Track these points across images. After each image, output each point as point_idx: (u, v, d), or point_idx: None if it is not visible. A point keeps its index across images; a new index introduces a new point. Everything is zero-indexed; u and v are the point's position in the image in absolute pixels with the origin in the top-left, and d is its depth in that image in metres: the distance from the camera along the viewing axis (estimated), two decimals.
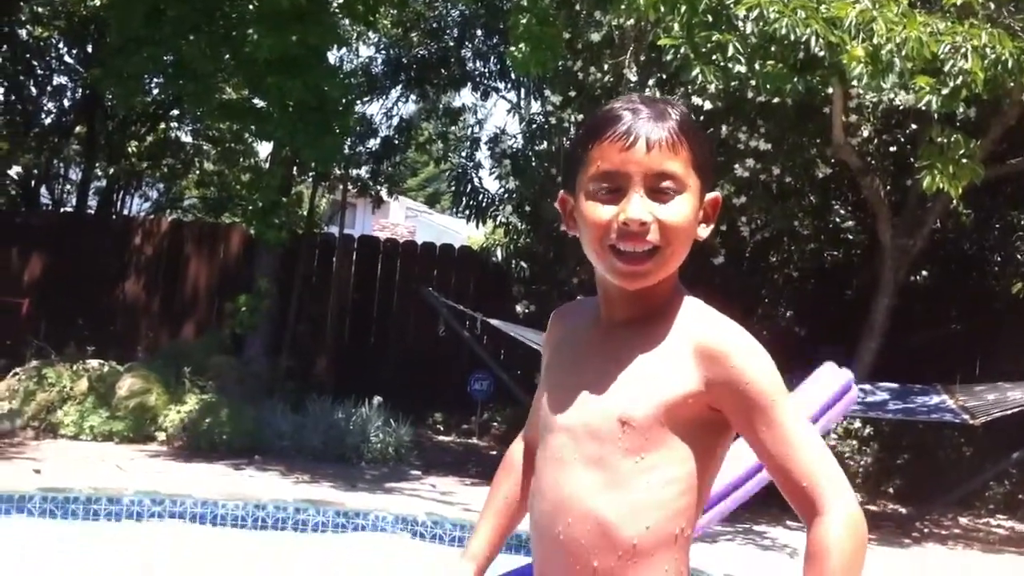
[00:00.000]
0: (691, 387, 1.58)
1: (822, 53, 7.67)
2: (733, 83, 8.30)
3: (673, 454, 1.58)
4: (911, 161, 9.93)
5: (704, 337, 1.59)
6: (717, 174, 1.58)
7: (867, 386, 9.76)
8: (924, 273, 11.78)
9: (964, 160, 7.68)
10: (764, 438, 1.56)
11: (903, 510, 10.14)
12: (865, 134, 10.55)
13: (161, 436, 10.05)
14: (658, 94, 10.01)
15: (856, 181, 10.58)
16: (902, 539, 8.78)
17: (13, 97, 17.10)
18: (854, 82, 7.76)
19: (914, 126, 10.33)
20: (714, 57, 7.72)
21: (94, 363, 10.78)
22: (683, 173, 1.61)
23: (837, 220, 11.79)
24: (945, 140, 7.83)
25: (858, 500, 1.53)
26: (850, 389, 2.10)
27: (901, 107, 9.64)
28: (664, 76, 10.16)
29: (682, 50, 7.83)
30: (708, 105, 9.64)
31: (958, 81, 7.21)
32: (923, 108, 7.63)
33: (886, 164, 11.12)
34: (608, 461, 1.59)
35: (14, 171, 17.61)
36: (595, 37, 10.64)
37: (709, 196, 1.69)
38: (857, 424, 10.50)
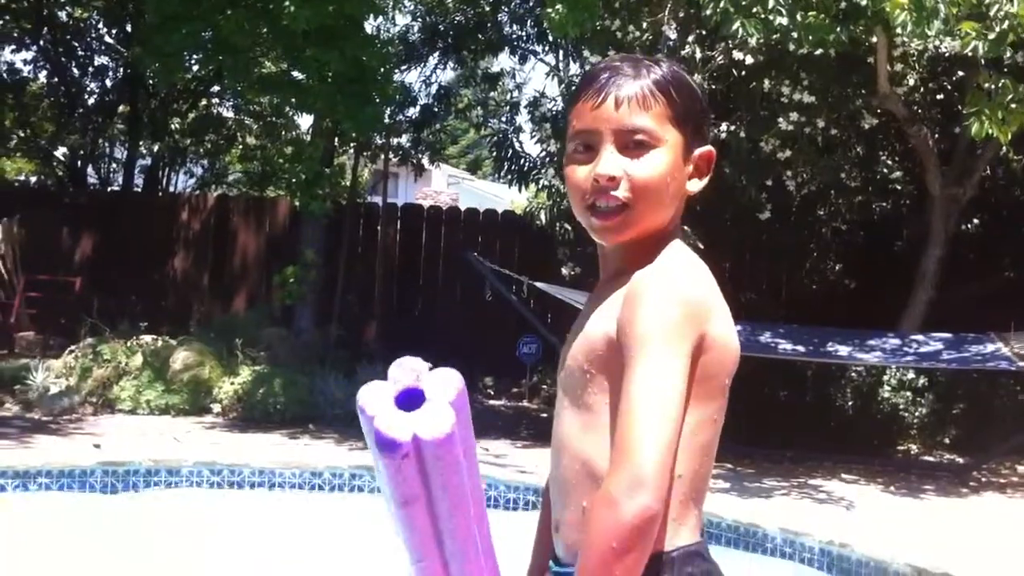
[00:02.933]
0: (610, 329, 1.58)
1: (864, 2, 7.56)
2: (774, 36, 8.19)
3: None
4: (958, 108, 9.76)
5: (635, 278, 1.58)
6: (707, 127, 1.54)
7: (920, 336, 9.67)
8: (975, 222, 11.61)
9: (1013, 105, 7.54)
10: (622, 385, 1.50)
11: (960, 460, 10.07)
12: (911, 83, 10.39)
13: (216, 408, 10.21)
14: (698, 51, 9.90)
15: (903, 131, 10.43)
16: (960, 489, 8.72)
17: (56, 79, 17.31)
18: (898, 30, 7.64)
19: (960, 73, 10.15)
20: (754, 10, 7.63)
21: (147, 338, 10.95)
22: (656, 127, 1.61)
23: (885, 171, 11.64)
24: (993, 86, 7.69)
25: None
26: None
27: (947, 54, 9.47)
28: (703, 32, 10.05)
29: (721, 4, 7.74)
30: (749, 59, 9.52)
31: (1004, 25, 7.08)
32: (969, 54, 7.49)
33: (933, 112, 10.95)
34: (587, 402, 1.62)
35: (60, 152, 17.85)
36: None
37: (700, 150, 1.68)
38: (911, 375, 10.41)
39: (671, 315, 1.52)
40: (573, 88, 1.77)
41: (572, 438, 1.64)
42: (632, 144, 1.61)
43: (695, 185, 1.69)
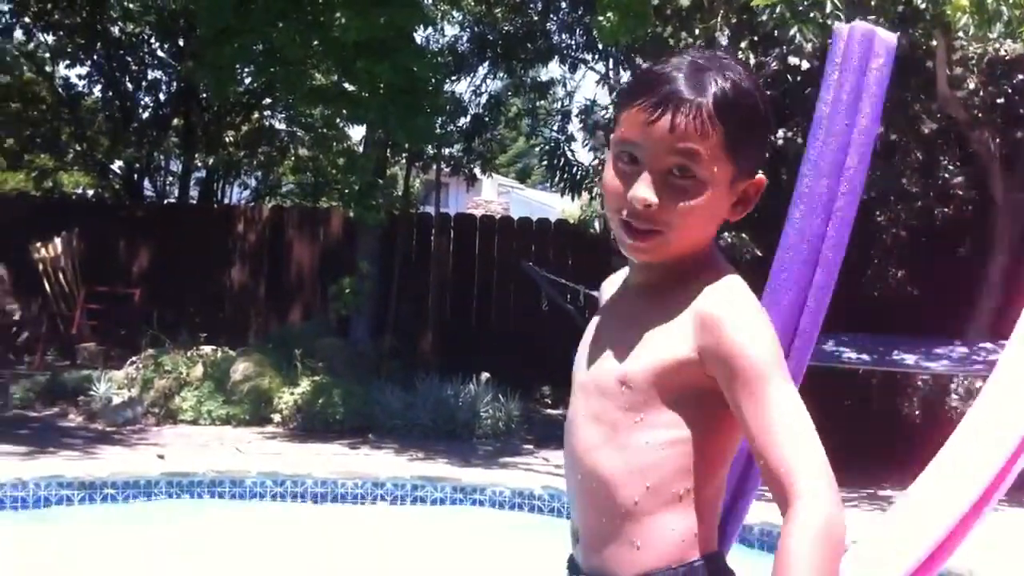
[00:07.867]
0: (685, 353, 1.56)
1: (924, 5, 7.46)
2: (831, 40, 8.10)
3: (671, 417, 1.57)
4: (1021, 112, 9.61)
5: (704, 305, 1.56)
6: (765, 142, 1.46)
7: (988, 344, 9.49)
8: None
9: None
10: (747, 414, 1.49)
11: None
12: (971, 86, 10.23)
13: (276, 418, 10.27)
14: (751, 57, 9.82)
15: (964, 135, 10.28)
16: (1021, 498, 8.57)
17: (111, 93, 17.56)
18: (959, 33, 7.53)
19: (1021, 76, 9.99)
20: (812, 15, 7.56)
21: (207, 349, 11.05)
22: (707, 157, 1.54)
23: (946, 176, 11.46)
24: None
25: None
26: None
27: (1007, 56, 9.32)
28: (756, 38, 9.97)
29: (778, 9, 7.67)
30: (806, 64, 9.43)
31: None
32: None
33: (994, 116, 10.76)
34: (610, 418, 1.60)
35: (116, 165, 18.10)
36: (684, 2, 10.47)
37: (752, 179, 1.62)
38: (980, 384, 10.23)
39: (769, 339, 1.55)
40: (631, 82, 1.71)
41: (591, 453, 1.62)
42: (677, 170, 1.55)
43: (738, 214, 1.64)
